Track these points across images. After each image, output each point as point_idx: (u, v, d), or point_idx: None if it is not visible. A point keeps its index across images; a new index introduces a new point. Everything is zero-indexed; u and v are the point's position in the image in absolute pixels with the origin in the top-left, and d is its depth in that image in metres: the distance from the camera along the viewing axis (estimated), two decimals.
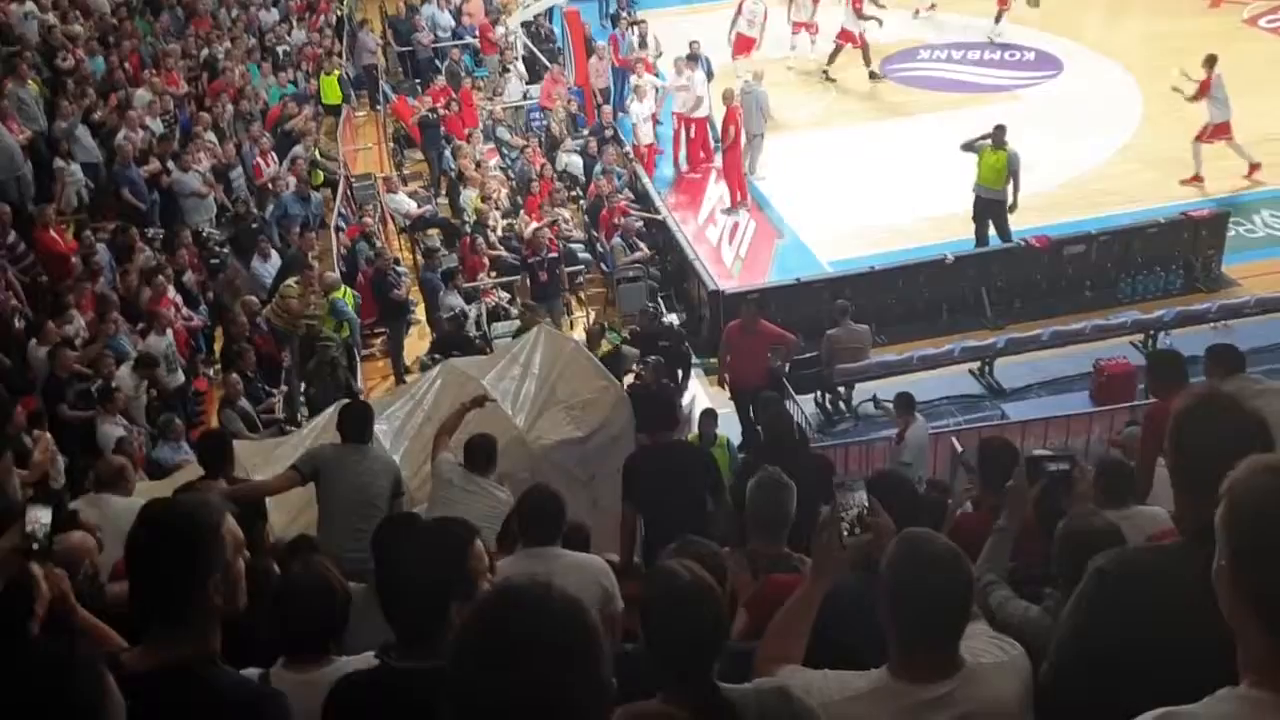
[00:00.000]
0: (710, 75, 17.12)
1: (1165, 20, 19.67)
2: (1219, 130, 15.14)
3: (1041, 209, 14.97)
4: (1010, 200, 13.66)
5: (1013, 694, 2.63)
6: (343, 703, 2.62)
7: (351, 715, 2.56)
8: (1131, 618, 2.40)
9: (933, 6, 20.98)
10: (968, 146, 13.85)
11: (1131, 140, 16.72)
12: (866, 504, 2.78)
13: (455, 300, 13.10)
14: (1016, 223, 14.35)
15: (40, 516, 3.05)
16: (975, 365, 12.28)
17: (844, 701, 2.51)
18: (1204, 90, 14.92)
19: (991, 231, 13.92)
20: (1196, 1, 21.05)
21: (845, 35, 19.04)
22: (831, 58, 19.18)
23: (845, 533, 2.77)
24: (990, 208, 13.74)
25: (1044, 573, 3.83)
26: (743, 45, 18.74)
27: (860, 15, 18.93)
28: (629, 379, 10.80)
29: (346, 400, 8.34)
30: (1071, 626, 2.61)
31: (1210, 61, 14.97)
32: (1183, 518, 2.41)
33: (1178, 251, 13.70)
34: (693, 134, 17.02)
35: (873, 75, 19.04)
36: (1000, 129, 13.65)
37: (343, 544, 5.57)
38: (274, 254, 13.30)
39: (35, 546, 3.01)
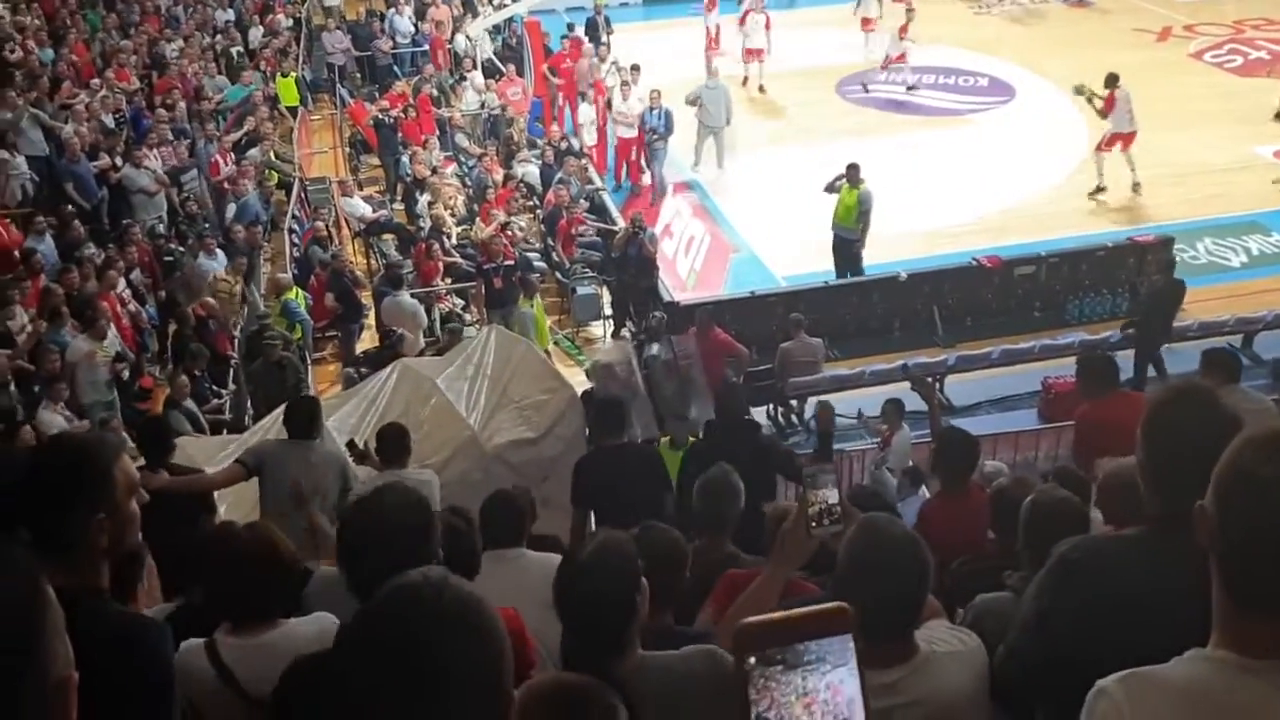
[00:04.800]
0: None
1: (1114, 52, 20.05)
2: (1117, 138, 15.73)
3: (992, 231, 15.23)
4: (859, 239, 13.73)
5: (965, 685, 2.63)
6: (296, 682, 2.52)
7: (306, 695, 2.45)
8: (1095, 605, 2.39)
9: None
10: (829, 188, 13.89)
11: (1078, 167, 17.05)
12: (834, 500, 2.76)
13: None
14: (967, 244, 14.58)
15: None
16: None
17: None
18: (1109, 106, 15.57)
19: None
20: (1145, 35, 21.58)
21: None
22: None
23: (812, 524, 2.75)
24: (843, 246, 13.84)
25: (997, 565, 3.87)
26: (751, 55, 19.61)
27: None
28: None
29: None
30: (1034, 610, 2.59)
31: (1111, 81, 15.73)
32: (1149, 509, 2.41)
33: (1124, 275, 13.96)
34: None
35: None
36: (854, 168, 13.70)
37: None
38: (219, 251, 13.06)
39: None
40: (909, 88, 19.64)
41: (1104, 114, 15.62)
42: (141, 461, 5.99)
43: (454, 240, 14.67)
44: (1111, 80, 15.62)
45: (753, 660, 0.72)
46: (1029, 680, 2.61)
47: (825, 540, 2.77)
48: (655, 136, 16.55)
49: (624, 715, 1.88)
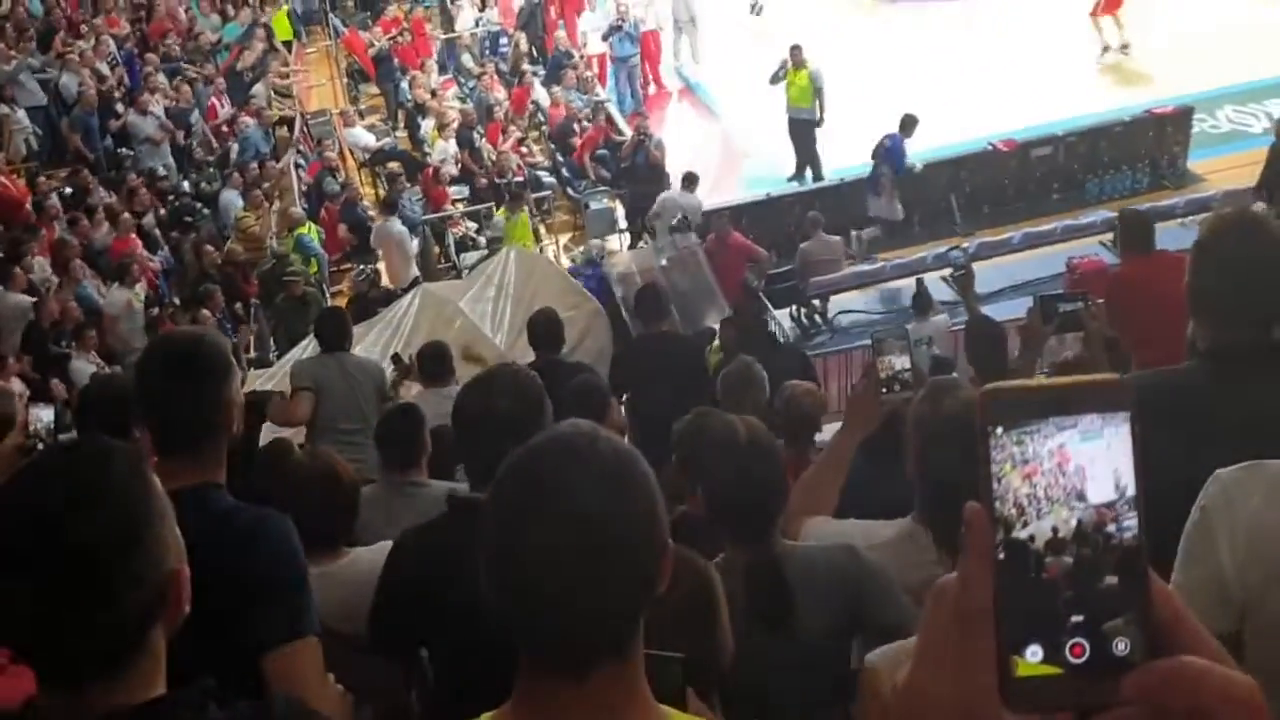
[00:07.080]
0: None
1: None
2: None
3: (1005, 113, 14.91)
4: (818, 117, 13.63)
5: None
6: (412, 546, 2.56)
7: (422, 555, 2.49)
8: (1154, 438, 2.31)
9: None
10: (774, 79, 13.75)
11: (1089, 44, 16.61)
12: (904, 366, 2.77)
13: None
14: (983, 128, 14.29)
15: (43, 415, 3.03)
16: (947, 271, 12.25)
17: (870, 549, 2.51)
18: None
19: None
20: None
21: None
22: None
23: (882, 390, 2.77)
24: (802, 129, 13.72)
25: None
26: None
27: None
28: None
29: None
30: None
31: None
32: (1196, 340, 2.33)
33: (1143, 150, 13.71)
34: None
35: None
36: (796, 49, 13.57)
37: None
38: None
39: (39, 445, 2.96)
40: None
41: None
42: None
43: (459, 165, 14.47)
44: None
45: (1000, 430, 0.65)
46: None
47: (896, 406, 2.77)
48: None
49: (719, 586, 1.87)
